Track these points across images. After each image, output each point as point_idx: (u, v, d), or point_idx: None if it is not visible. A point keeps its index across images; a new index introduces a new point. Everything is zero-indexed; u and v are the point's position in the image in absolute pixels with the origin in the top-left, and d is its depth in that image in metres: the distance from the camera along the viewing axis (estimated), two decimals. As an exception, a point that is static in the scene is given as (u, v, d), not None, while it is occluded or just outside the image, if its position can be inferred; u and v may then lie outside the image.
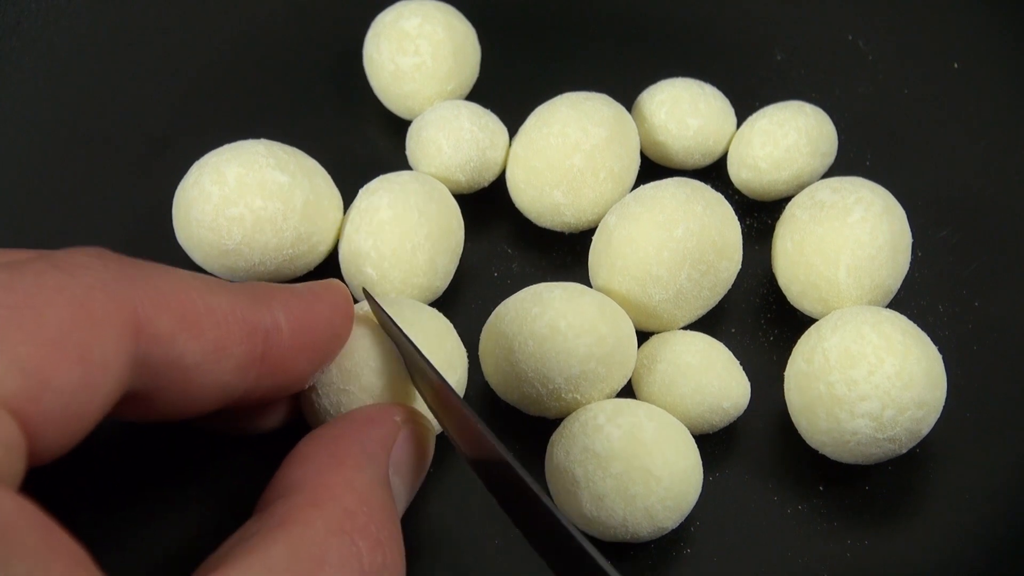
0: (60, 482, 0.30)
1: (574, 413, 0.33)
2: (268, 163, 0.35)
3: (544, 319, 0.33)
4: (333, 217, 0.36)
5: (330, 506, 0.25)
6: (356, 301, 0.32)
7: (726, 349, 0.35)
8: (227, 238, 0.35)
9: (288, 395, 0.31)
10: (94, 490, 0.32)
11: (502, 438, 0.33)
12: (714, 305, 0.36)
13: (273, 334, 0.26)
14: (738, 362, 0.35)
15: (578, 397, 0.33)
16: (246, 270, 0.35)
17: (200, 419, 0.31)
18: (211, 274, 0.36)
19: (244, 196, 0.34)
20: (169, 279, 0.25)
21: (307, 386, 0.30)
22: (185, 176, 0.36)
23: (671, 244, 0.34)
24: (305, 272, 0.37)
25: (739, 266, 0.36)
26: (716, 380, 0.34)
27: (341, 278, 0.36)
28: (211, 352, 0.25)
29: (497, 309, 0.35)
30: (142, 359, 0.23)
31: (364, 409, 0.29)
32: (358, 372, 0.30)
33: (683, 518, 0.32)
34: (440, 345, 0.32)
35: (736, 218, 0.36)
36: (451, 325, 0.34)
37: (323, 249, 0.36)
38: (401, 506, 0.28)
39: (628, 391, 0.35)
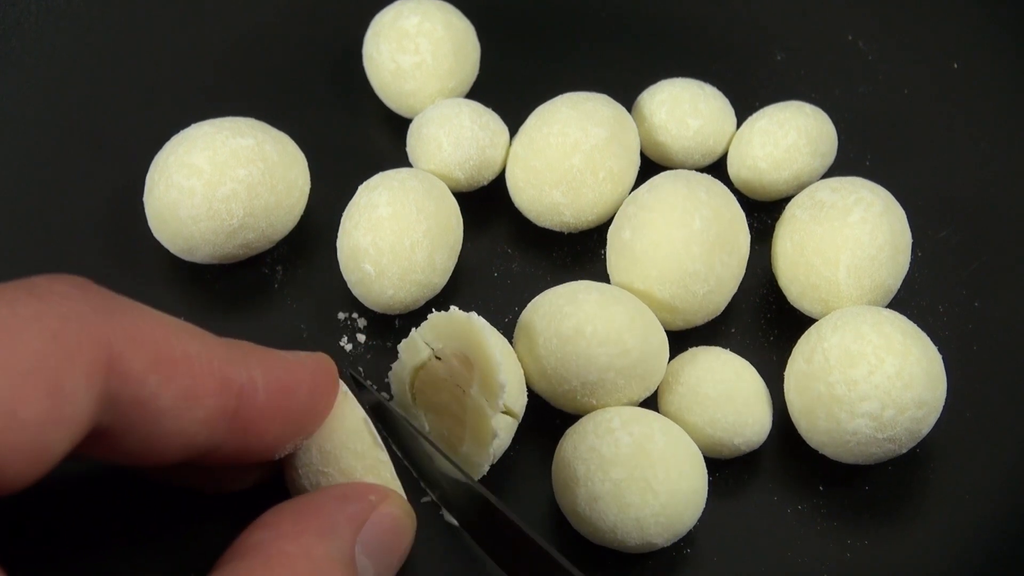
0: (21, 526, 0.30)
1: (592, 412, 0.33)
2: (225, 136, 0.36)
3: (572, 321, 0.33)
4: (299, 157, 0.38)
5: (281, 572, 0.25)
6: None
7: (756, 379, 0.35)
8: (229, 218, 0.35)
9: (256, 462, 0.30)
10: (55, 541, 0.31)
11: (527, 424, 0.34)
12: (742, 277, 0.36)
13: (248, 392, 0.26)
14: (766, 394, 0.35)
15: (593, 402, 0.34)
16: (257, 239, 0.36)
17: (171, 475, 0.30)
18: (223, 264, 0.37)
19: (226, 173, 0.35)
20: (148, 319, 0.24)
21: (277, 457, 0.29)
22: (149, 188, 0.36)
23: (696, 238, 0.34)
24: (300, 217, 0.38)
25: (748, 234, 0.36)
26: (732, 415, 0.34)
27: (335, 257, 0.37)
28: (182, 399, 0.24)
29: (534, 299, 0.35)
30: (112, 395, 0.23)
31: (340, 486, 0.29)
32: (337, 455, 0.30)
33: (676, 538, 0.32)
34: (517, 368, 0.33)
35: (729, 191, 0.36)
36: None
37: (307, 189, 0.38)
38: None
39: (654, 399, 0.36)
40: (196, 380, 0.25)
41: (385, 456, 0.30)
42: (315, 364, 0.29)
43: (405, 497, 0.30)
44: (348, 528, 0.27)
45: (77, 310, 0.23)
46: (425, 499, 0.33)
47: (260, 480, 0.31)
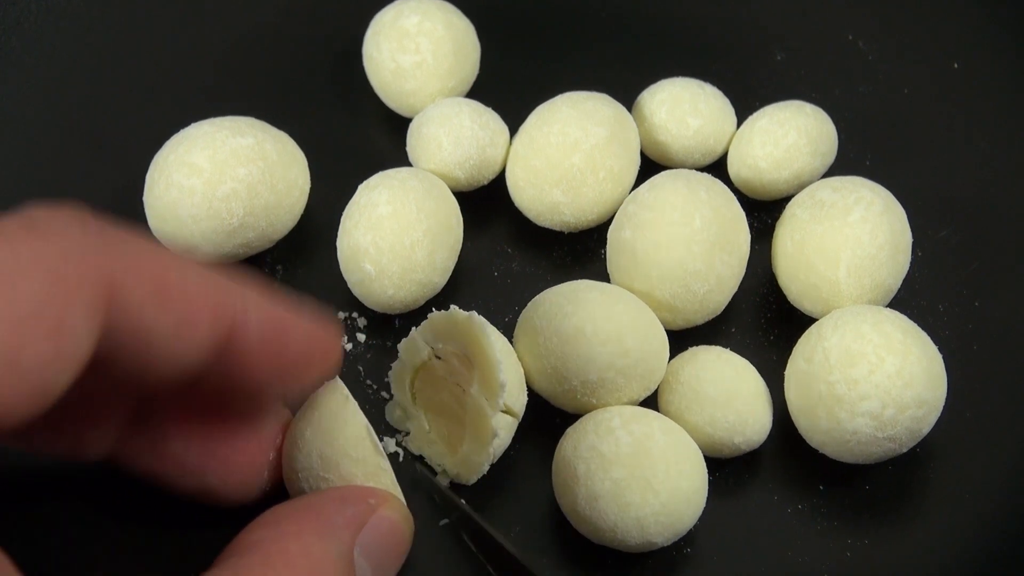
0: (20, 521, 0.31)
1: (592, 412, 0.33)
2: (226, 135, 0.36)
3: (573, 320, 0.33)
4: (299, 156, 0.38)
5: (282, 570, 0.25)
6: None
7: (757, 379, 0.35)
8: (229, 217, 0.35)
9: (241, 404, 0.30)
10: (54, 535, 0.32)
11: (527, 423, 0.34)
12: (742, 277, 0.36)
13: (240, 323, 0.26)
14: (767, 394, 0.35)
15: (593, 401, 0.34)
16: (257, 238, 0.36)
17: (178, 486, 0.31)
18: (223, 263, 0.37)
19: (226, 172, 0.35)
20: (145, 249, 0.24)
21: (263, 407, 0.29)
22: (149, 187, 0.36)
23: (696, 237, 0.34)
24: (300, 216, 0.38)
25: (748, 234, 0.36)
26: (733, 415, 0.34)
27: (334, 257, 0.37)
28: (177, 326, 0.24)
29: (535, 298, 0.35)
30: (109, 326, 0.23)
31: (339, 488, 0.30)
32: (337, 461, 0.30)
33: (676, 537, 0.32)
34: (517, 367, 0.34)
35: (729, 190, 0.36)
36: None
37: (307, 188, 0.38)
38: None
39: (654, 399, 0.35)
40: (192, 307, 0.25)
41: (386, 464, 0.30)
42: (314, 323, 0.29)
43: (404, 502, 0.30)
44: (347, 529, 0.27)
45: (78, 244, 0.22)
46: (443, 521, 0.34)
47: (261, 493, 0.31)
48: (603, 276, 0.37)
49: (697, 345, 0.36)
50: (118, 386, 0.27)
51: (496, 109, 0.39)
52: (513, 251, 0.39)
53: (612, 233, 0.37)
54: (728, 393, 0.34)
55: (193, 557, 0.27)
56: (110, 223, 0.24)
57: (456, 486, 0.34)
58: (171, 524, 0.33)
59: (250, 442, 0.31)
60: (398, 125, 0.40)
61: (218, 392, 0.27)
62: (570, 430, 0.33)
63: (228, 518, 0.30)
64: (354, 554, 0.27)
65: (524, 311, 0.35)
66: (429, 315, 0.34)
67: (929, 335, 0.34)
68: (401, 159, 0.39)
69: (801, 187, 0.38)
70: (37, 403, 0.22)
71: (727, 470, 0.35)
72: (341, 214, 0.37)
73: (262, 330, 0.27)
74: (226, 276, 0.26)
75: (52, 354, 0.21)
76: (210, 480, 0.31)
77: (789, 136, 0.38)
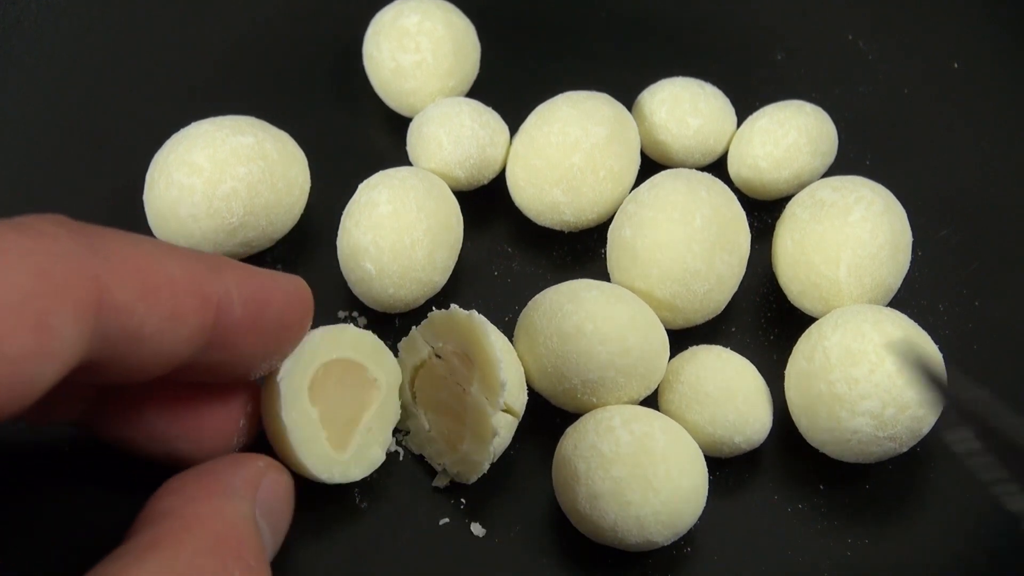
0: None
1: (592, 411, 0.33)
2: (226, 133, 0.36)
3: (573, 318, 0.33)
4: (300, 155, 0.38)
5: (200, 531, 0.25)
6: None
7: (757, 378, 0.35)
8: (229, 216, 0.35)
9: (232, 379, 0.31)
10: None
11: (527, 423, 0.34)
12: (742, 276, 0.36)
13: (224, 305, 0.27)
14: (767, 393, 0.35)
15: (594, 400, 0.34)
16: (257, 237, 0.36)
17: (146, 451, 0.31)
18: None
19: (226, 171, 0.35)
20: (131, 247, 0.25)
21: (253, 376, 0.30)
22: (149, 186, 0.36)
23: (697, 236, 0.34)
24: (300, 215, 0.38)
25: (748, 233, 0.36)
26: (733, 414, 0.34)
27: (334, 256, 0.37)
28: (167, 321, 0.25)
29: (535, 297, 0.35)
30: (100, 330, 0.23)
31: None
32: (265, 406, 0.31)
33: (676, 536, 0.32)
34: (517, 366, 0.34)
35: (729, 190, 0.36)
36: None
37: (307, 187, 0.38)
38: (268, 550, 0.29)
39: (655, 398, 0.36)
40: (179, 301, 0.25)
41: (289, 424, 0.30)
42: (288, 282, 0.29)
43: (285, 466, 0.31)
44: (246, 489, 0.28)
45: (65, 248, 0.23)
46: (443, 521, 0.34)
47: (240, 445, 0.32)
48: (603, 275, 0.37)
49: (697, 344, 0.36)
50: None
51: (496, 109, 0.39)
52: (513, 251, 0.39)
53: (612, 232, 0.37)
54: (728, 392, 0.34)
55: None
56: (91, 224, 0.25)
57: (456, 485, 0.34)
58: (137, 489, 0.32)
59: (220, 407, 0.31)
60: (398, 125, 0.40)
61: (204, 370, 0.28)
62: (570, 429, 0.33)
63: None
64: (256, 514, 0.28)
65: (524, 310, 0.35)
66: (429, 314, 0.34)
67: (929, 335, 0.34)
68: (401, 158, 0.39)
69: (801, 187, 0.38)
70: (19, 396, 0.22)
71: (727, 470, 0.35)
72: (341, 213, 0.37)
73: (245, 307, 0.27)
74: (205, 258, 0.27)
75: (35, 348, 0.22)
76: (179, 446, 0.31)
77: (789, 136, 0.38)
